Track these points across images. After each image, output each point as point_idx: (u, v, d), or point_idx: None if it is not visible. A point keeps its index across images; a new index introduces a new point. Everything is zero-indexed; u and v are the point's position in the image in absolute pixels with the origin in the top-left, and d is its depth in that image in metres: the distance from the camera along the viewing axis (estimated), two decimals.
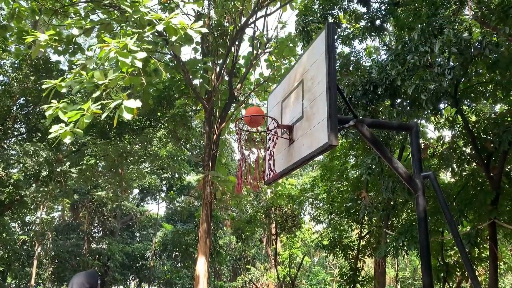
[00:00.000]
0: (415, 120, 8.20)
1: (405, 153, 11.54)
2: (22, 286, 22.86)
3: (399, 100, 8.55)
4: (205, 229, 16.80)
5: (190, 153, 22.35)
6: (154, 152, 17.11)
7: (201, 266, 16.28)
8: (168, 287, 23.29)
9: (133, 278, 26.34)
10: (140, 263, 25.10)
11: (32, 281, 22.30)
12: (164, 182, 26.38)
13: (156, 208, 70.84)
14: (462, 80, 8.44)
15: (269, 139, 5.24)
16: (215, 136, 17.75)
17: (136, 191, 27.44)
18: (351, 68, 10.12)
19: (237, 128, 5.37)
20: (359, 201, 13.78)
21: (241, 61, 15.26)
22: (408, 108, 8.29)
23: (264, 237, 27.18)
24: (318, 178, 17.10)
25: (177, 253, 22.55)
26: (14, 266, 22.33)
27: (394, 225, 13.12)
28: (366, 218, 13.83)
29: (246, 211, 24.61)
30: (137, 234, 29.93)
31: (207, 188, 17.23)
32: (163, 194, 29.21)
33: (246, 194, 20.43)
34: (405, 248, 9.54)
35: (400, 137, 10.04)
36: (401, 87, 7.47)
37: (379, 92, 7.75)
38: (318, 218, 18.68)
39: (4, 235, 21.22)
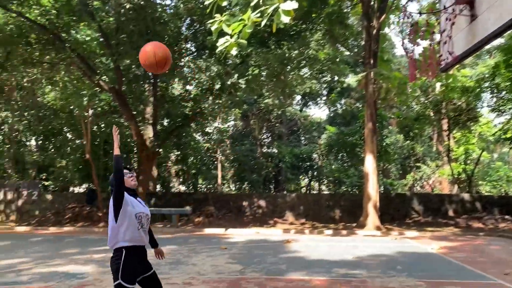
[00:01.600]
0: None
1: None
2: (210, 185, 26.60)
3: None
4: (371, 128, 16.70)
5: (348, 53, 21.70)
6: (313, 56, 17.08)
7: (369, 163, 16.50)
8: (337, 185, 24.38)
9: (303, 178, 28.23)
10: (308, 163, 26.59)
11: (219, 181, 25.84)
12: (324, 86, 26.49)
13: (319, 112, 72.50)
14: None
15: (446, 19, 4.70)
16: (374, 31, 16.75)
17: (298, 97, 28.30)
18: None
19: (404, 13, 4.93)
20: None
21: None
22: None
23: (434, 134, 25.78)
24: (500, 64, 14.98)
25: (343, 153, 23.10)
26: (203, 170, 25.95)
27: None
28: None
29: (412, 108, 23.38)
30: (302, 138, 31.43)
31: (370, 86, 16.77)
32: (324, 98, 29.54)
33: (412, 91, 19.24)
34: None
35: None
36: None
37: None
38: (500, 109, 16.68)
39: (192, 143, 24.65)
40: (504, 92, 16.86)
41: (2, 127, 21.32)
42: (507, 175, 23.87)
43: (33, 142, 23.08)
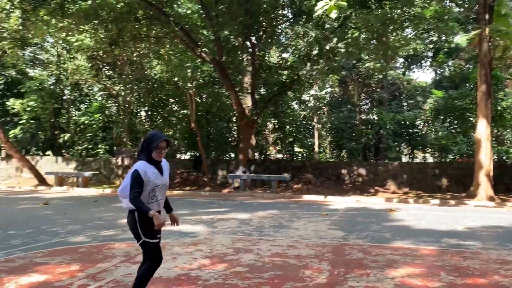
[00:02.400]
0: None
1: None
2: (307, 153, 26.63)
3: None
4: (484, 91, 15.25)
5: (458, 9, 19.78)
6: (418, 15, 15.85)
7: (482, 129, 15.16)
8: (443, 153, 22.87)
9: (405, 145, 26.95)
10: (411, 130, 25.24)
11: (316, 149, 25.75)
12: (430, 47, 24.60)
13: (423, 75, 67.99)
14: None
15: None
16: None
17: (400, 60, 26.71)
18: None
19: None
20: None
21: None
22: None
23: None
24: None
25: (451, 119, 21.47)
26: (299, 137, 26.03)
27: None
28: None
29: None
30: (405, 103, 29.80)
31: (484, 44, 15.21)
32: (429, 60, 27.51)
33: None
34: None
35: None
36: None
37: None
38: None
39: (289, 111, 24.76)
40: None
41: (117, 100, 23.36)
42: None
43: (143, 113, 24.98)
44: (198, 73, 19.99)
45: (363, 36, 16.02)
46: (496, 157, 19.63)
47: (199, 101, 22.51)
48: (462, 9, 19.60)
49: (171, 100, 23.97)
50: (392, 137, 24.08)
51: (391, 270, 5.47)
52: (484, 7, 15.27)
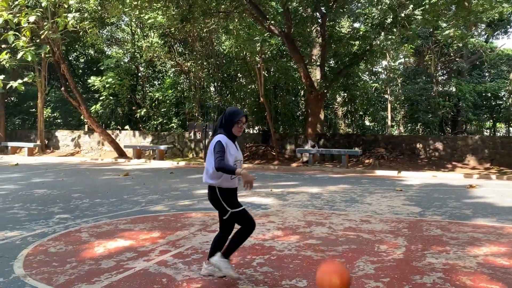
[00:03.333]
0: None
1: None
2: (379, 127, 25.77)
3: None
4: None
5: None
6: None
7: None
8: None
9: (487, 118, 25.12)
10: (494, 102, 23.42)
11: (388, 123, 24.82)
12: None
13: (509, 42, 62.48)
14: None
15: None
16: None
17: (483, 26, 24.64)
18: None
19: None
20: None
21: None
22: None
23: None
24: None
25: None
26: (371, 111, 25.21)
27: None
28: None
29: None
30: (487, 73, 27.61)
31: None
32: None
33: None
34: None
35: None
36: None
37: None
38: None
39: (360, 84, 23.97)
40: None
41: (188, 75, 24.01)
42: None
43: (212, 89, 25.49)
44: (267, 47, 19.88)
45: (442, 1, 14.92)
46: None
47: (267, 75, 22.48)
48: None
49: (239, 75, 24.17)
50: (472, 109, 22.54)
51: (473, 248, 5.19)
52: None
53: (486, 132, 25.69)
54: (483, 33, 26.16)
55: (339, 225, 6.45)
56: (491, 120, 24.96)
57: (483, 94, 22.89)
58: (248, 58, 20.72)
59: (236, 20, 18.83)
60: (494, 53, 25.67)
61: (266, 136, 21.13)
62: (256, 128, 25.68)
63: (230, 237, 4.02)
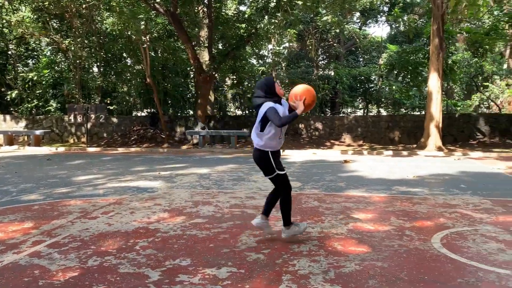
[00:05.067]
0: None
1: None
2: None
3: None
4: (437, 45, 15.64)
5: None
6: None
7: (434, 82, 15.68)
8: (396, 106, 23.61)
9: (361, 100, 27.54)
10: (367, 85, 25.73)
11: None
12: (386, 1, 24.71)
13: (379, 31, 68.66)
14: None
15: None
16: None
17: (357, 14, 26.76)
18: None
19: None
20: None
21: None
22: None
23: (505, 50, 23.75)
24: None
25: (404, 73, 22.03)
26: None
27: None
28: None
29: (483, 22, 21.43)
30: (361, 58, 30.17)
31: None
32: (385, 15, 27.73)
33: (484, 2, 17.47)
34: None
35: None
36: None
37: None
38: None
39: (247, 67, 24.49)
40: None
41: (67, 55, 22.21)
42: None
43: (95, 69, 23.96)
44: (153, 26, 19.21)
45: None
46: (445, 110, 20.49)
47: (154, 55, 21.77)
48: None
49: (124, 54, 23.04)
50: (348, 91, 24.50)
51: (344, 217, 5.71)
52: None
53: (360, 112, 28.15)
54: (357, 20, 28.41)
55: (226, 202, 6.61)
56: (364, 102, 27.40)
57: (358, 78, 24.98)
58: (134, 37, 19.82)
59: None
60: (366, 40, 28.07)
61: (155, 118, 20.61)
62: (145, 111, 24.87)
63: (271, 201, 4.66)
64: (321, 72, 26.23)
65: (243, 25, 19.26)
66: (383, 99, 25.45)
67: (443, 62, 16.34)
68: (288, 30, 21.11)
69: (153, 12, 17.53)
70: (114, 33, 21.11)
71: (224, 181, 8.77)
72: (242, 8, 21.95)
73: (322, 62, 28.95)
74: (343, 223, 5.37)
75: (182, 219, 5.58)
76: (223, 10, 20.28)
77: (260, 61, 27.84)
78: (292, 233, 4.56)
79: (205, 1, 18.30)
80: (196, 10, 18.92)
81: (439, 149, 15.22)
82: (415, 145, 16.70)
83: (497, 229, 5.06)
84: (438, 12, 15.52)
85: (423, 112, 18.36)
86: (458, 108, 22.51)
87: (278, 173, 4.39)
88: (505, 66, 24.17)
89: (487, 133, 18.51)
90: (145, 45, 18.25)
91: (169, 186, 8.19)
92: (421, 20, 25.02)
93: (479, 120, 18.80)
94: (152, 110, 22.68)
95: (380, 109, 27.79)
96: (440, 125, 15.77)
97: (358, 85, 25.85)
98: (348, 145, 18.21)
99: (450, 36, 19.91)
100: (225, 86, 26.74)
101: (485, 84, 23.31)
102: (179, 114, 23.00)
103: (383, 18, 28.17)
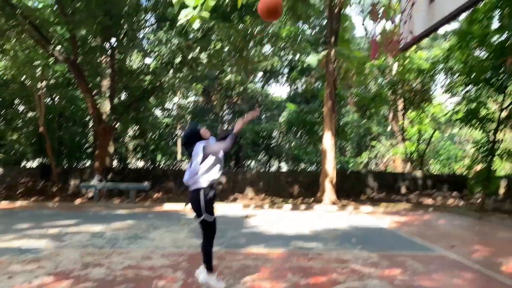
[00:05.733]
0: None
1: None
2: (170, 161, 26.32)
3: None
4: (330, 107, 16.99)
5: (310, 31, 21.79)
6: (275, 33, 17.03)
7: (327, 141, 16.86)
8: (295, 161, 24.79)
9: (263, 155, 28.47)
10: (268, 141, 26.78)
11: (178, 157, 25.62)
12: (285, 64, 26.55)
13: (280, 90, 72.82)
14: None
15: (406, 0, 4.81)
16: (336, 10, 16.87)
17: (259, 74, 28.25)
18: None
19: None
20: (502, 69, 12.40)
21: None
22: None
23: (389, 114, 26.61)
24: (454, 47, 15.51)
25: (302, 131, 23.45)
26: (162, 146, 25.62)
27: None
28: (510, 87, 12.51)
29: (370, 88, 23.94)
30: (263, 116, 31.52)
31: (330, 65, 16.97)
32: (285, 77, 29.65)
33: (370, 71, 19.68)
34: None
35: None
36: None
37: None
38: (452, 90, 17.39)
39: (151, 118, 24.18)
40: (457, 75, 17.56)
41: None
42: (456, 155, 25.11)
43: None
44: (50, 73, 18.28)
45: (226, 48, 16.57)
46: (339, 166, 22.00)
47: (50, 103, 20.56)
48: (313, 32, 21.67)
49: (17, 100, 21.41)
50: (251, 146, 25.23)
51: (243, 275, 5.70)
52: (331, 32, 17.10)
53: (262, 167, 28.98)
54: (259, 80, 29.95)
55: (119, 264, 6.23)
56: (266, 156, 28.35)
57: (260, 133, 25.94)
58: (28, 83, 18.59)
59: (14, 40, 16.79)
60: (268, 99, 29.57)
61: (46, 170, 19.12)
62: (36, 161, 22.97)
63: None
64: (226, 127, 26.81)
65: (148, 77, 19.18)
66: (283, 155, 26.59)
67: (335, 123, 17.72)
68: (195, 84, 21.51)
69: (52, 58, 16.75)
70: (5, 77, 19.63)
71: (119, 240, 8.30)
72: (148, 60, 21.98)
73: (227, 117, 29.71)
74: (241, 283, 5.35)
75: (68, 284, 5.13)
76: (128, 62, 20.09)
77: (165, 112, 27.72)
78: (210, 283, 4.82)
79: (109, 52, 18.01)
80: (98, 60, 18.48)
81: (334, 203, 16.14)
82: (312, 199, 17.52)
83: (383, 283, 5.42)
84: (331, 78, 17.01)
85: (320, 167, 19.51)
86: (350, 165, 24.29)
87: (207, 216, 4.81)
88: (389, 128, 26.97)
89: (375, 188, 20.14)
90: (40, 92, 17.21)
91: (57, 246, 7.53)
92: (317, 83, 27.17)
93: (367, 177, 20.45)
94: (44, 160, 21.07)
95: (281, 163, 28.94)
96: (334, 180, 16.83)
97: (261, 140, 26.78)
98: (251, 199, 18.49)
99: (342, 100, 21.83)
100: (127, 137, 25.97)
101: (373, 143, 25.66)
102: (74, 165, 21.64)
103: (284, 79, 30.08)
